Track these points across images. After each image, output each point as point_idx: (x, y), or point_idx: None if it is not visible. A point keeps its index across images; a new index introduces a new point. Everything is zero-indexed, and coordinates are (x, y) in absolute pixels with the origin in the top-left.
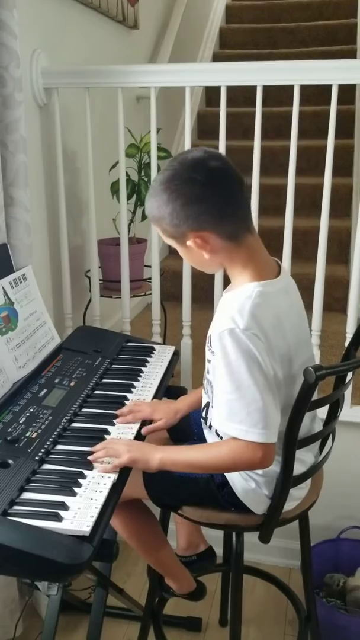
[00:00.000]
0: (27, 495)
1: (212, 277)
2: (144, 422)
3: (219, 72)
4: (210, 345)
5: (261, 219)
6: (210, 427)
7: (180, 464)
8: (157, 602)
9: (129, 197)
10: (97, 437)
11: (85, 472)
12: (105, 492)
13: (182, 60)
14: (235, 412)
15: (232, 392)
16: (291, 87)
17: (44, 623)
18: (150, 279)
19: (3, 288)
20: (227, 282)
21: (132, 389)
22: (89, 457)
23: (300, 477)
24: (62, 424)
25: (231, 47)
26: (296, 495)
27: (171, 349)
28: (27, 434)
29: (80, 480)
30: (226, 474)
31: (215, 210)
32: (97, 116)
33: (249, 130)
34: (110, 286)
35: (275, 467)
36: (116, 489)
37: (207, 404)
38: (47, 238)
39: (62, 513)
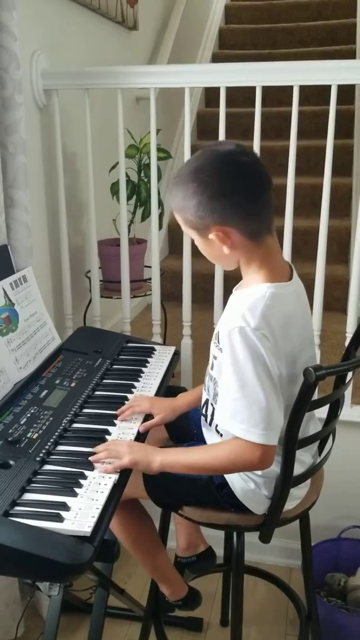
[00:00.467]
0: (28, 496)
1: (212, 277)
2: (146, 419)
3: (219, 73)
4: (218, 342)
5: None
6: (210, 424)
7: (180, 466)
8: (157, 603)
9: (128, 198)
10: (98, 437)
11: (86, 472)
12: (107, 492)
13: (182, 60)
14: (238, 411)
15: (237, 390)
16: (290, 87)
17: (46, 623)
18: (150, 279)
19: (3, 289)
20: (227, 283)
21: (133, 390)
22: (91, 458)
23: (299, 477)
24: (63, 424)
25: (230, 47)
26: (296, 495)
27: (171, 349)
28: (28, 435)
29: (81, 481)
30: (225, 475)
31: (242, 206)
32: (97, 117)
33: (248, 131)
34: (110, 287)
35: (274, 468)
36: (117, 489)
37: (207, 401)
38: (47, 239)
39: (63, 513)
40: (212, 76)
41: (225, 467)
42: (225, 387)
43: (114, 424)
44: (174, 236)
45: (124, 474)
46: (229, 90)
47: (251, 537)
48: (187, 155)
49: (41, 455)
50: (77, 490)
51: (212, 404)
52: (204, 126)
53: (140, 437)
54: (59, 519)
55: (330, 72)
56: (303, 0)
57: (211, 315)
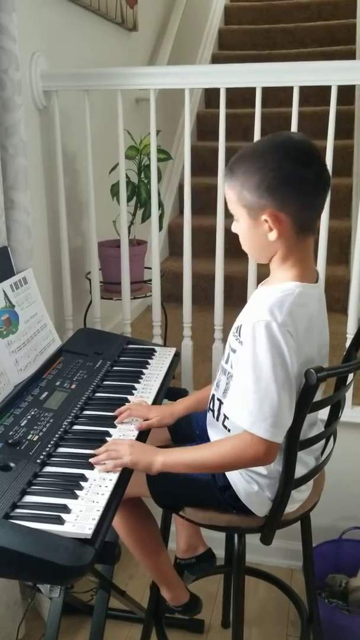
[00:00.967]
0: (28, 498)
1: (212, 279)
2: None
3: (219, 74)
4: (239, 335)
5: None
6: (217, 419)
7: (182, 465)
8: (158, 604)
9: (129, 199)
10: (99, 439)
11: (87, 474)
12: (107, 494)
13: (181, 61)
14: (248, 403)
15: (252, 382)
16: (290, 88)
17: (47, 625)
18: (150, 280)
19: (4, 291)
20: (227, 284)
21: (133, 391)
22: (91, 460)
23: (301, 479)
24: (64, 426)
25: (230, 48)
26: (298, 498)
27: (172, 351)
28: (29, 437)
29: (82, 483)
30: (228, 477)
31: (303, 197)
32: (97, 118)
33: (248, 131)
34: (110, 288)
35: (278, 469)
36: (118, 491)
37: (213, 396)
38: (47, 240)
39: (64, 516)
40: (212, 77)
41: (228, 463)
42: (240, 377)
43: (114, 426)
44: (174, 237)
45: (125, 475)
46: (229, 91)
47: (252, 538)
48: (187, 156)
49: (42, 457)
50: (77, 492)
51: (219, 399)
52: (204, 127)
53: (142, 438)
54: (60, 521)
55: (330, 73)
56: (303, 0)
57: (211, 317)
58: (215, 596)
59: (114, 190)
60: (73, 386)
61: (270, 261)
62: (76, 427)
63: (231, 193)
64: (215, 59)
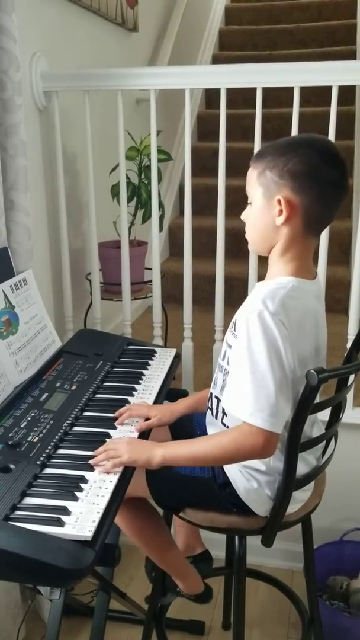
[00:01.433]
0: (28, 500)
1: (213, 279)
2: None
3: (219, 74)
4: (234, 330)
5: None
6: (216, 417)
7: (183, 458)
8: (159, 606)
9: (129, 200)
10: (99, 440)
11: (87, 476)
12: (107, 496)
13: (182, 62)
14: (246, 393)
15: (247, 373)
16: (291, 88)
17: (47, 627)
18: (151, 281)
19: (3, 292)
20: (228, 284)
21: (134, 392)
22: (91, 461)
23: (302, 480)
24: (64, 428)
25: (230, 48)
26: (299, 498)
27: (172, 352)
28: (29, 438)
29: (82, 485)
30: (228, 474)
31: (320, 193)
32: (97, 119)
33: (249, 132)
34: (111, 289)
35: (278, 466)
36: (118, 493)
37: (211, 394)
38: (47, 241)
39: (64, 518)
40: (213, 77)
41: (228, 454)
42: (236, 369)
43: (114, 427)
44: (175, 238)
45: (125, 476)
46: (229, 91)
47: (253, 539)
48: (187, 157)
49: (42, 459)
50: (77, 494)
51: (217, 397)
52: (204, 128)
53: (142, 438)
54: (60, 523)
55: (331, 73)
56: (303, 1)
57: (212, 318)
58: (216, 598)
59: (115, 191)
60: (73, 387)
61: (270, 254)
62: (76, 428)
63: (254, 173)
64: (216, 60)
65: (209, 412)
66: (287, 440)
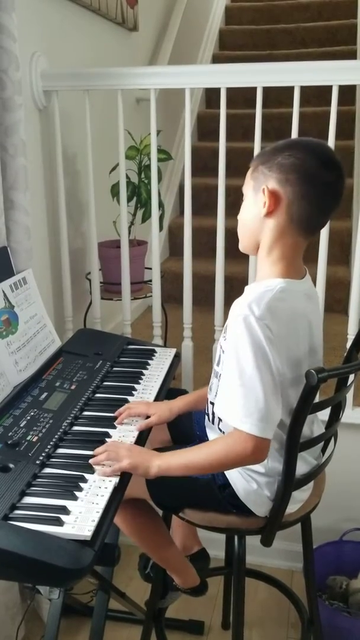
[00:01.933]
0: (28, 500)
1: (213, 279)
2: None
3: (219, 74)
4: (225, 333)
5: None
6: (212, 422)
7: (178, 467)
8: (158, 608)
9: (129, 200)
10: (98, 440)
11: (87, 475)
12: (107, 496)
13: (182, 61)
14: (234, 399)
15: (235, 379)
16: (291, 88)
17: (46, 627)
18: (150, 281)
19: (3, 291)
20: (228, 284)
21: (133, 392)
22: (90, 460)
23: (302, 480)
24: (63, 427)
25: (231, 48)
26: (298, 498)
27: (172, 351)
28: (28, 438)
29: (82, 484)
30: (228, 475)
31: (308, 189)
32: (97, 118)
33: (249, 132)
34: (110, 288)
35: (277, 468)
36: (117, 492)
37: (207, 400)
38: (47, 241)
39: (63, 517)
40: (213, 77)
41: (219, 462)
42: (225, 374)
43: (114, 427)
44: (175, 238)
45: (125, 477)
46: (230, 91)
47: (252, 539)
48: (187, 157)
49: (41, 458)
50: (77, 493)
51: (212, 403)
52: (205, 127)
53: (142, 439)
54: (59, 522)
55: (331, 73)
56: (303, 1)
57: (212, 317)
58: (215, 598)
59: (114, 191)
60: (73, 387)
61: (257, 253)
62: (76, 428)
63: (250, 170)
64: (216, 59)
65: (206, 417)
66: (286, 440)
